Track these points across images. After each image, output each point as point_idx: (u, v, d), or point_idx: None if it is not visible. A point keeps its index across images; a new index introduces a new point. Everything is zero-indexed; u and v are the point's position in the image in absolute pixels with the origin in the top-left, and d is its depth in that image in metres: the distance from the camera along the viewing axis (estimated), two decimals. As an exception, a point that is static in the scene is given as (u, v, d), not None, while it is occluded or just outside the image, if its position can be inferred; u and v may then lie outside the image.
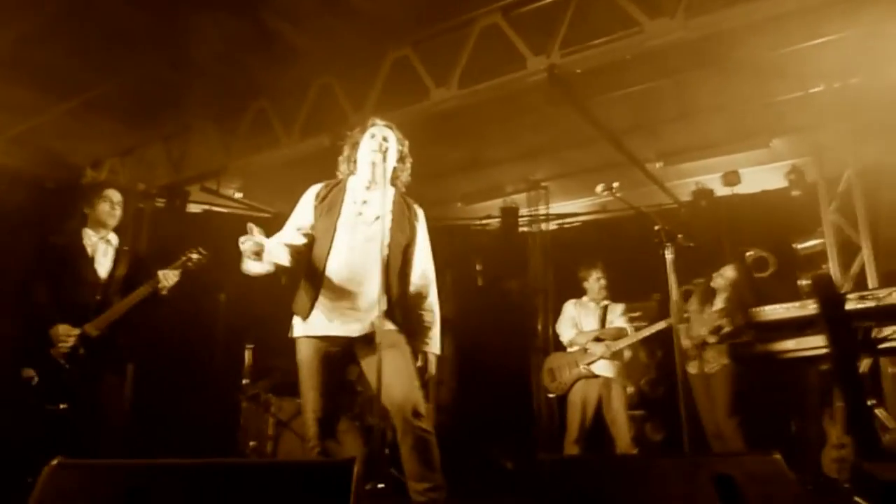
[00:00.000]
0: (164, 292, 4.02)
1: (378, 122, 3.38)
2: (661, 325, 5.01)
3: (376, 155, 3.16)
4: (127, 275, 4.12)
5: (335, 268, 3.03)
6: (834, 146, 6.20)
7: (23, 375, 3.76)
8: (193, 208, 7.57)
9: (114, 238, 4.21)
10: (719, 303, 5.41)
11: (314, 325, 3.00)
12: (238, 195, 7.89)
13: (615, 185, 3.63)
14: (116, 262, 4.13)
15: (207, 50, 5.61)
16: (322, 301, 3.01)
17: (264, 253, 2.86)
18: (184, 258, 4.16)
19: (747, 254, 6.55)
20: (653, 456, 4.19)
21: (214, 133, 6.82)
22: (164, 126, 6.97)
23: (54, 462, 1.69)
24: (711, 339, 5.14)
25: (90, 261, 4.05)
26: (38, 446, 3.55)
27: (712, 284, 5.45)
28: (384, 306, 2.98)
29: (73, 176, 7.35)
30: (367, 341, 2.99)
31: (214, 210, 7.85)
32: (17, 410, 3.78)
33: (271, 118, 6.38)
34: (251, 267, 2.95)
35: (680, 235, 3.56)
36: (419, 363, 3.15)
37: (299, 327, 3.06)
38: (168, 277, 4.02)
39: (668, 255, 3.47)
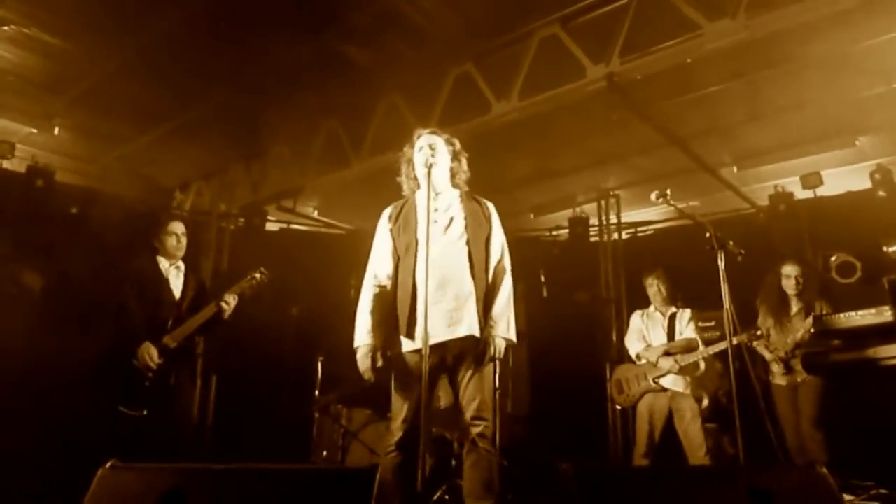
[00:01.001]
0: (226, 316, 4.36)
1: (423, 132, 3.43)
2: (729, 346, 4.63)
3: (430, 163, 3.17)
4: (194, 298, 4.47)
5: (424, 280, 3.00)
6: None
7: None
8: (271, 226, 7.90)
9: (182, 265, 4.57)
10: (795, 305, 5.19)
11: (415, 339, 3.04)
12: (315, 213, 8.19)
13: (668, 192, 3.56)
14: (186, 285, 4.48)
15: (280, 75, 5.89)
16: (419, 314, 3.02)
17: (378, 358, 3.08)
18: (248, 277, 4.50)
19: (832, 259, 6.23)
20: (688, 467, 4.04)
21: (290, 154, 7.12)
22: (244, 149, 7.34)
23: (108, 464, 1.83)
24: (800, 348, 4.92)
25: (167, 283, 4.42)
26: (117, 448, 3.79)
27: (789, 292, 5.22)
28: (474, 306, 3.07)
29: (164, 198, 7.85)
30: (457, 351, 3.05)
31: (290, 228, 8.16)
32: (101, 414, 4.07)
33: (342, 137, 6.60)
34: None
35: (731, 242, 3.46)
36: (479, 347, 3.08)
37: (401, 343, 3.09)
38: (229, 301, 4.35)
39: (721, 264, 3.36)
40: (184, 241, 4.53)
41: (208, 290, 4.65)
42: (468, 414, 2.99)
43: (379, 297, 3.19)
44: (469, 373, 3.04)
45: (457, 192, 3.34)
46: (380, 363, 3.08)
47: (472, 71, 5.61)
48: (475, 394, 3.01)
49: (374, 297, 3.20)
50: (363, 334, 3.12)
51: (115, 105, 6.29)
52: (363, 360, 3.07)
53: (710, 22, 4.48)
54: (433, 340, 2.98)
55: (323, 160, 6.80)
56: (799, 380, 5.01)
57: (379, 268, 3.24)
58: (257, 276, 4.50)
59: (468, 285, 3.09)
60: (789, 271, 5.24)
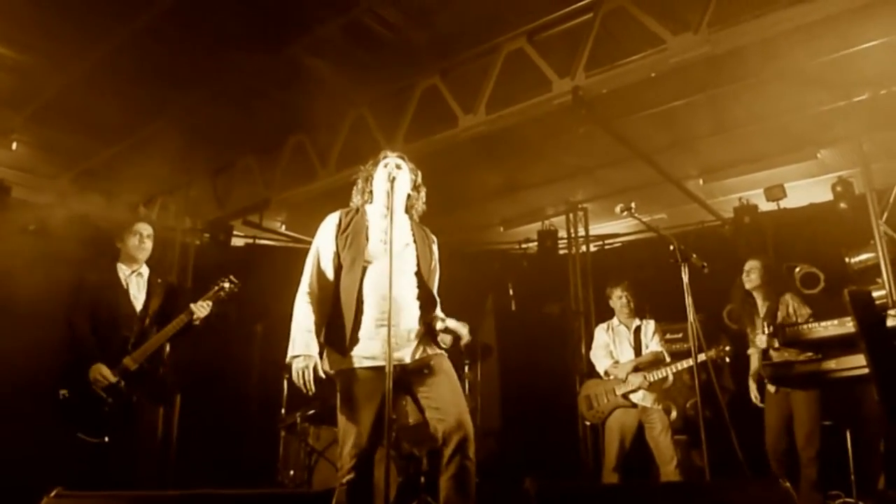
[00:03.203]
0: (198, 323, 4.13)
1: (389, 153, 3.41)
2: (694, 360, 4.43)
3: (393, 175, 3.17)
4: (161, 306, 4.22)
5: (370, 296, 3.03)
6: (881, 155, 5.96)
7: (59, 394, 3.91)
8: (237, 241, 7.78)
9: (145, 270, 4.32)
10: (762, 305, 5.11)
11: (359, 355, 2.97)
12: (282, 227, 8.10)
13: (633, 205, 3.57)
14: (149, 294, 4.23)
15: (245, 89, 5.82)
16: (363, 331, 2.99)
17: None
18: (216, 288, 4.28)
19: (796, 270, 6.31)
20: (652, 484, 4.04)
21: (257, 168, 7.03)
22: (210, 163, 7.23)
23: (52, 493, 1.74)
24: (775, 345, 4.82)
25: (126, 294, 4.17)
26: (77, 477, 3.64)
27: (747, 286, 5.15)
28: (423, 330, 3.08)
29: (127, 213, 7.68)
30: (416, 368, 3.01)
31: (257, 243, 8.06)
32: (58, 442, 3.89)
33: (309, 151, 6.54)
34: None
35: (694, 255, 3.47)
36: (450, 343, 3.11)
37: (340, 360, 3.00)
38: (200, 309, 4.12)
39: (685, 276, 3.37)
40: (148, 243, 4.31)
41: (180, 296, 4.38)
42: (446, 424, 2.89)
43: (318, 307, 3.06)
44: (425, 385, 3.00)
45: (408, 218, 3.34)
46: (322, 374, 2.96)
47: (440, 84, 5.60)
48: (447, 402, 2.95)
49: (314, 306, 3.06)
50: (305, 344, 2.96)
51: (75, 119, 6.14)
52: (304, 372, 2.90)
53: (673, 36, 4.52)
54: (376, 363, 2.94)
55: (290, 174, 6.72)
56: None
57: (320, 276, 3.12)
58: (226, 285, 4.29)
59: (413, 310, 3.09)
60: (747, 266, 5.18)
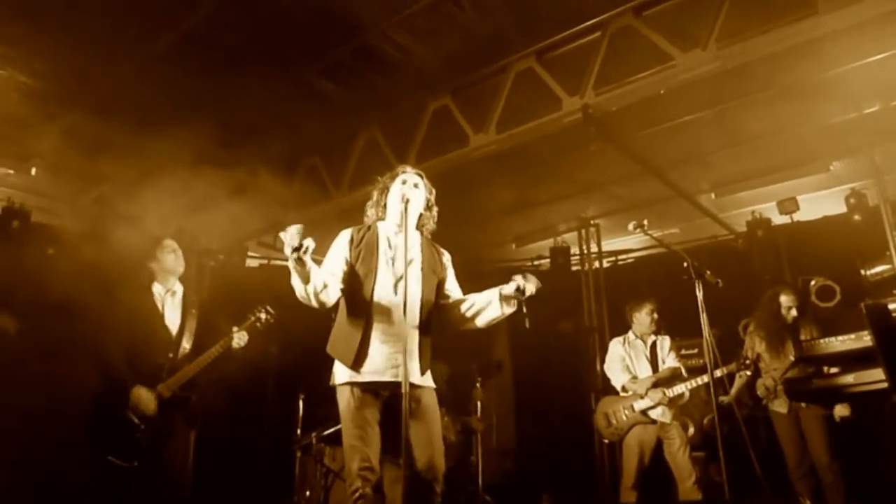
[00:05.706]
0: (238, 352, 4.12)
1: (408, 169, 3.39)
2: (716, 374, 4.45)
3: (407, 197, 3.14)
4: (197, 331, 4.17)
5: (379, 311, 3.03)
6: (894, 166, 5.94)
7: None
8: (251, 262, 7.83)
9: (179, 288, 4.27)
10: (787, 332, 5.06)
11: (364, 371, 2.96)
12: (297, 247, 8.13)
13: (645, 222, 3.58)
14: (184, 314, 4.18)
15: (259, 111, 5.90)
16: (371, 346, 2.99)
17: (307, 256, 2.79)
18: (253, 318, 4.26)
19: (811, 283, 6.27)
20: (667, 502, 4.00)
21: (271, 189, 7.08)
22: (224, 185, 7.30)
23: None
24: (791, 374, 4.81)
25: (161, 318, 4.11)
26: (106, 500, 3.64)
27: (785, 318, 5.09)
28: (421, 350, 3.05)
29: (144, 235, 7.74)
30: (409, 394, 2.93)
31: (271, 264, 8.11)
32: (90, 466, 3.89)
33: (322, 172, 6.60)
34: (295, 271, 2.85)
35: (708, 272, 3.47)
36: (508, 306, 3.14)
37: (345, 373, 2.99)
38: (241, 338, 4.11)
39: (699, 293, 3.36)
40: (181, 256, 4.29)
41: (213, 322, 4.29)
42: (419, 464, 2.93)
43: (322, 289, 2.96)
44: (410, 416, 2.93)
45: (419, 235, 3.32)
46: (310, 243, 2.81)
47: (450, 104, 5.66)
48: (424, 442, 2.96)
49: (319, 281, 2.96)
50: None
51: (92, 144, 6.23)
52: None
53: (682, 53, 4.55)
54: (383, 378, 2.96)
55: (303, 195, 6.79)
56: (804, 405, 4.87)
57: (327, 270, 3.06)
58: (262, 316, 4.28)
59: (415, 327, 3.05)
60: (790, 302, 5.11)
